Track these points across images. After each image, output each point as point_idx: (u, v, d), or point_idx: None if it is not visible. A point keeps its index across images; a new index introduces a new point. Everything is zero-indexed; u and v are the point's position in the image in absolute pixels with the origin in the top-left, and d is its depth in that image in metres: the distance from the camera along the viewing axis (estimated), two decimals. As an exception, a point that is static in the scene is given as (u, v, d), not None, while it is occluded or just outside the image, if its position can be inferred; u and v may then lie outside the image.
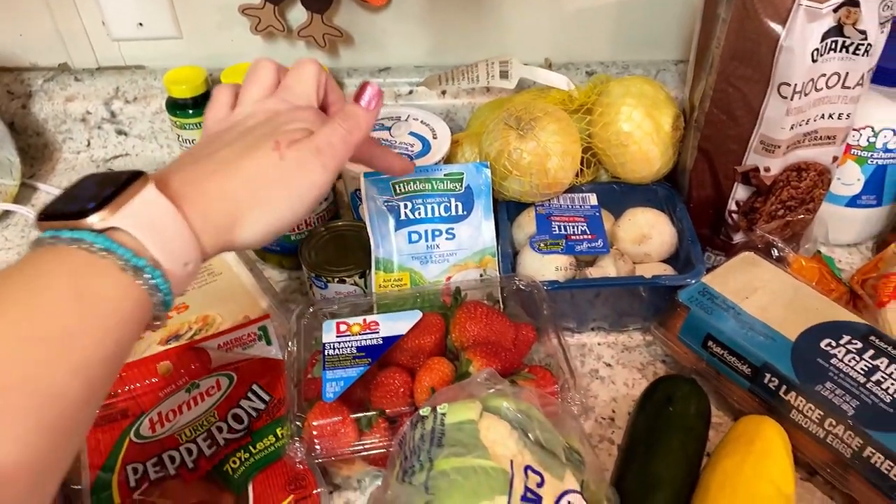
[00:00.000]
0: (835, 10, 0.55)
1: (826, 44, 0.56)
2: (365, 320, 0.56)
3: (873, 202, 0.71)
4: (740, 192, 0.66)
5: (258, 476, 0.51)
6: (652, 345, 0.67)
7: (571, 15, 0.84)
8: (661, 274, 0.65)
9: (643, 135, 0.67)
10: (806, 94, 0.59)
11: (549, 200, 0.71)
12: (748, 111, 0.61)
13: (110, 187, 0.36)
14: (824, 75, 0.58)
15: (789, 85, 0.58)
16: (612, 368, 0.65)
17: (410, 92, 0.88)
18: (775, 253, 0.66)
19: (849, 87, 0.59)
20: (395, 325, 0.56)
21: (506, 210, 0.71)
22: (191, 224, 0.38)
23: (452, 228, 0.67)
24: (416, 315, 0.57)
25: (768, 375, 0.55)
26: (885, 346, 0.55)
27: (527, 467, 0.41)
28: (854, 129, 0.67)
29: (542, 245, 0.66)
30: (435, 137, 0.71)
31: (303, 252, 0.69)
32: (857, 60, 0.58)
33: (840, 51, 0.57)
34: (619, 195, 0.72)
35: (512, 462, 0.41)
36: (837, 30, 0.56)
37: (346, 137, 0.45)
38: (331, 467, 0.55)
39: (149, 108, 0.91)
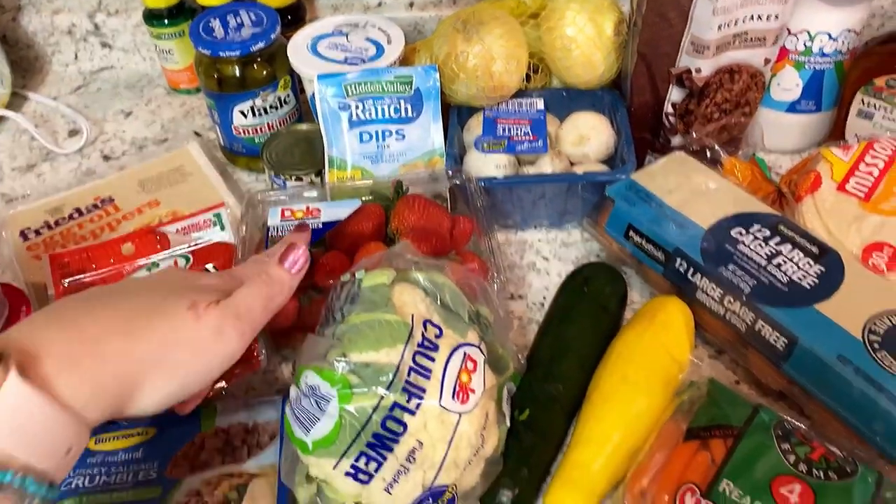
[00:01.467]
0: None
1: (750, -57, 0.58)
2: (308, 207, 0.61)
3: (812, 108, 0.74)
4: (675, 95, 0.69)
5: (208, 341, 0.57)
6: (589, 241, 0.71)
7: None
8: (594, 171, 0.68)
9: (585, 39, 0.70)
10: (732, -6, 0.61)
11: (498, 105, 0.74)
12: (679, 12, 0.63)
13: None
14: (751, -25, 0.61)
15: (713, -15, 0.60)
16: (548, 262, 0.70)
17: (379, 4, 0.91)
18: (710, 155, 0.70)
19: (775, -12, 0.62)
20: (336, 211, 0.61)
21: (457, 114, 0.75)
22: (73, 402, 0.34)
23: (402, 129, 0.71)
24: (356, 203, 0.61)
25: (679, 260, 0.59)
26: (793, 234, 0.59)
27: (426, 321, 0.46)
28: (791, 34, 0.69)
29: (485, 145, 0.70)
30: (389, 42, 0.75)
31: (264, 153, 0.74)
32: (782, -40, 0.60)
33: (765, -50, 0.59)
34: (567, 100, 0.76)
35: (413, 316, 0.46)
36: (761, -71, 0.58)
37: (268, 304, 0.43)
38: (275, 339, 0.60)
39: (130, 21, 0.95)
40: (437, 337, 0.46)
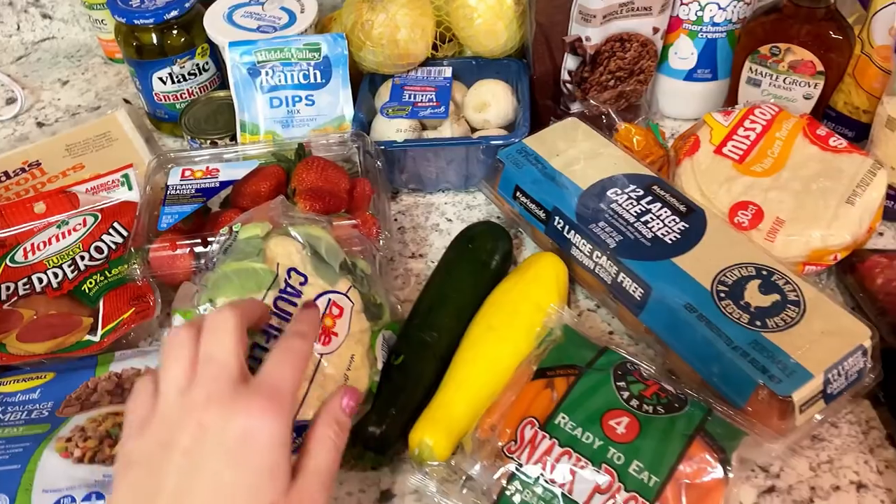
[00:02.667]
0: None
1: (626, -85, 0.61)
2: (207, 167, 0.64)
3: (708, 76, 0.77)
4: (570, 63, 0.72)
5: (109, 293, 0.61)
6: (492, 204, 0.74)
7: None
8: (488, 135, 0.71)
9: (487, 9, 0.73)
10: (612, -35, 0.64)
11: (408, 73, 0.77)
12: (567, -18, 0.66)
13: None
14: (629, -54, 0.63)
15: (595, -46, 0.63)
16: (451, 223, 0.73)
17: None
18: (606, 121, 0.73)
19: (655, -41, 0.64)
20: (234, 171, 0.64)
21: (368, 82, 0.77)
22: None
23: (312, 95, 0.74)
24: (253, 164, 0.65)
25: (557, 218, 0.62)
26: (664, 193, 0.62)
27: (291, 269, 0.50)
28: (683, 4, 0.72)
29: (389, 111, 0.73)
30: (302, 12, 0.77)
31: (181, 118, 0.77)
32: (658, -69, 0.63)
33: (640, -78, 0.62)
34: (476, 69, 0.78)
35: (279, 265, 0.50)
36: None
37: (337, 458, 0.41)
38: (171, 290, 0.63)
39: (67, -8, 0.98)
40: (302, 284, 0.50)
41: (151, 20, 0.73)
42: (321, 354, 0.49)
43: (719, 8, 0.71)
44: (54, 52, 1.00)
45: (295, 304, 0.49)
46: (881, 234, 0.68)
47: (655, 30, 0.70)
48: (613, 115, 0.73)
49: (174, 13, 0.74)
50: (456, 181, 0.74)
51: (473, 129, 0.75)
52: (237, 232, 0.52)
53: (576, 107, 0.75)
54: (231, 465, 0.37)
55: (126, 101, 0.89)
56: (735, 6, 0.71)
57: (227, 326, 0.40)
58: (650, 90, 0.79)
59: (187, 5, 0.75)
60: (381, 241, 0.61)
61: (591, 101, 0.74)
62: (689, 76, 0.77)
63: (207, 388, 0.39)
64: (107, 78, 0.95)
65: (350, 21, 0.73)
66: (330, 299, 0.50)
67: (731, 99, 0.75)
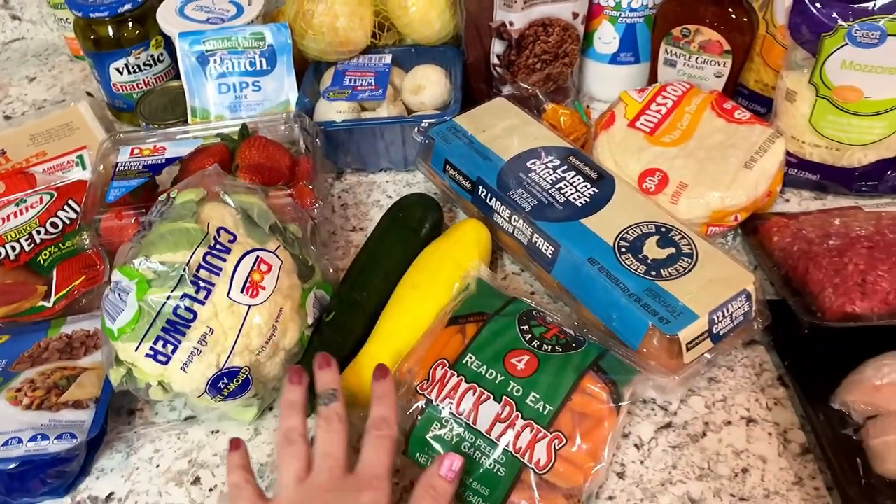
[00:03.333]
0: None
1: None
2: (155, 146, 0.69)
3: (631, 59, 0.82)
4: (498, 47, 0.77)
5: (62, 263, 0.65)
6: (430, 182, 0.79)
7: None
8: (421, 114, 0.76)
9: (420, -2, 0.78)
10: (528, -47, 0.69)
11: (350, 60, 0.82)
12: (489, -30, 0.71)
13: None
14: (543, -65, 0.69)
15: (510, -56, 0.68)
16: (391, 199, 0.78)
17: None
18: (535, 102, 0.78)
19: (568, -53, 0.70)
20: (179, 149, 0.69)
21: (314, 69, 0.82)
22: None
23: (258, 81, 0.79)
24: (197, 143, 0.69)
25: (481, 187, 0.67)
26: (579, 163, 0.67)
27: (220, 228, 0.54)
28: (603, -10, 0.78)
29: (331, 94, 0.78)
30: (250, 4, 0.82)
31: (137, 107, 0.81)
32: (568, -78, 0.68)
33: (552, -87, 0.67)
34: (415, 56, 0.83)
35: (209, 224, 0.54)
36: None
37: None
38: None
39: (34, -6, 1.02)
40: (231, 242, 0.54)
41: (106, 13, 0.78)
42: (249, 306, 0.53)
43: (636, -6, 0.77)
44: (23, 52, 1.05)
45: (224, 260, 0.53)
46: (787, 200, 0.73)
47: (575, 15, 0.75)
48: (541, 97, 0.78)
49: (128, 6, 0.79)
50: (396, 160, 0.79)
51: (411, 112, 0.80)
52: (174, 198, 0.57)
53: (507, 89, 0.80)
54: None
55: (89, 93, 0.94)
56: (651, -8, 0.77)
57: (338, 429, 0.48)
58: (578, 74, 0.84)
59: (140, -1, 0.80)
60: (315, 210, 0.65)
61: (521, 84, 0.79)
62: (614, 60, 0.82)
63: (325, 476, 0.47)
64: (72, 74, 1.00)
65: (293, 11, 0.78)
66: (258, 256, 0.55)
67: (652, 80, 0.80)
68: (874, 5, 0.62)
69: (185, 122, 0.79)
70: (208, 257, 0.53)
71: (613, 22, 0.79)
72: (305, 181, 0.69)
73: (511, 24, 0.74)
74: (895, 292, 0.57)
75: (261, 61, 0.78)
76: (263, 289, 0.54)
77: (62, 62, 1.02)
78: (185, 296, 0.51)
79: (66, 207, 0.69)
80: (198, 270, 0.52)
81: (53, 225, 0.68)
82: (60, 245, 0.66)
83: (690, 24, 0.73)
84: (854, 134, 0.68)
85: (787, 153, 0.71)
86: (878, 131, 0.67)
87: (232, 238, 0.54)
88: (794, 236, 0.63)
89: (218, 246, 0.54)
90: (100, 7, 0.78)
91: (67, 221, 0.68)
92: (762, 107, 0.79)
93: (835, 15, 0.63)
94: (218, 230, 0.54)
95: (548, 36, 0.76)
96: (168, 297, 0.51)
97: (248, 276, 0.54)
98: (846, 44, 0.64)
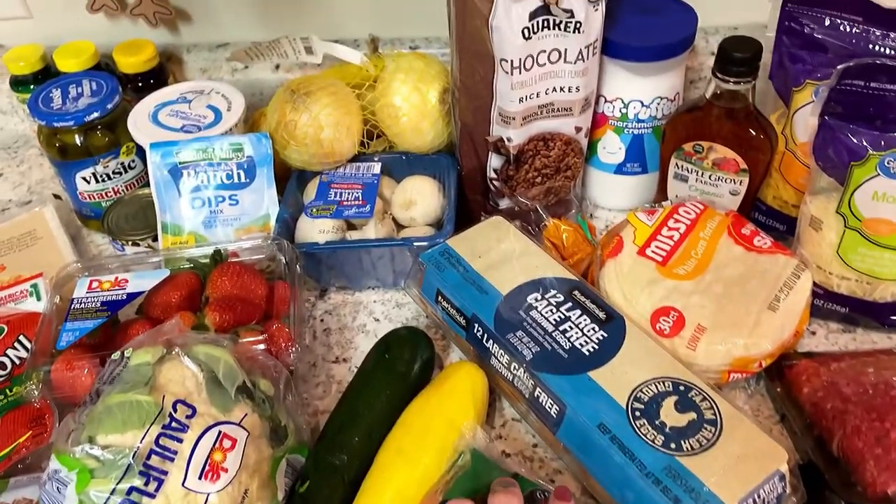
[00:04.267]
0: (538, -8, 0.60)
1: (537, 22, 0.61)
2: (116, 278, 0.62)
3: (638, 170, 0.76)
4: (495, 161, 0.71)
5: (6, 415, 0.58)
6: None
7: (388, -8, 0.88)
8: (411, 236, 0.70)
9: (411, 108, 0.72)
10: (527, 69, 0.63)
11: (336, 169, 0.76)
12: (485, 85, 0.66)
13: None
14: (544, 51, 0.63)
15: (507, 61, 0.62)
16: (379, 323, 0.71)
17: (246, 67, 0.93)
18: (534, 217, 0.72)
19: (571, 62, 0.64)
20: (143, 282, 0.62)
21: (297, 177, 0.76)
22: None
23: (235, 195, 0.73)
24: (164, 273, 0.63)
25: (476, 325, 0.60)
26: (584, 299, 0.60)
27: (178, 401, 0.47)
28: (607, 101, 0.72)
29: (314, 210, 0.72)
30: (229, 110, 0.77)
31: (104, 218, 0.75)
32: (570, 37, 0.62)
33: (553, 28, 0.62)
34: (407, 164, 0.78)
35: (165, 397, 0.47)
36: (545, 9, 0.61)
37: None
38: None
39: (5, 85, 0.97)
40: (189, 417, 0.47)
41: (72, 122, 0.72)
42: (208, 494, 0.46)
43: (643, 105, 0.71)
44: (-8, 143, 0.99)
45: (180, 440, 0.46)
46: (813, 333, 0.67)
47: (578, 129, 0.70)
48: (541, 212, 0.72)
49: (96, 115, 0.73)
50: (385, 279, 0.73)
51: (401, 227, 0.74)
52: (128, 358, 0.50)
53: (505, 202, 0.74)
54: None
55: (56, 196, 0.87)
56: (659, 103, 0.71)
57: None
58: (582, 182, 0.78)
59: (109, 106, 0.74)
60: (291, 356, 0.59)
61: (519, 198, 0.73)
62: (619, 170, 0.76)
63: None
64: (41, 171, 0.94)
65: (274, 120, 0.73)
66: (220, 431, 0.48)
67: (661, 192, 0.74)
68: (909, 135, 0.56)
69: (155, 236, 0.73)
70: (162, 439, 0.46)
71: (619, 132, 0.74)
72: (283, 318, 0.63)
73: (509, 139, 0.68)
74: (948, 468, 0.50)
75: (239, 173, 0.72)
76: (225, 470, 0.47)
77: (32, 156, 0.96)
78: (132, 489, 0.44)
79: (16, 345, 0.62)
80: (148, 457, 0.45)
81: (2, 366, 0.61)
82: (7, 391, 0.59)
83: (703, 141, 0.67)
84: (888, 268, 0.61)
85: (814, 284, 0.65)
86: (913, 265, 0.61)
87: (191, 412, 0.47)
88: (827, 390, 0.56)
89: (174, 424, 0.47)
90: (65, 116, 0.72)
91: (17, 361, 0.62)
92: (781, 224, 0.73)
93: (865, 143, 0.58)
94: (175, 404, 0.47)
95: (549, 150, 0.70)
96: (112, 492, 0.44)
97: (208, 457, 0.47)
98: (878, 174, 0.58)
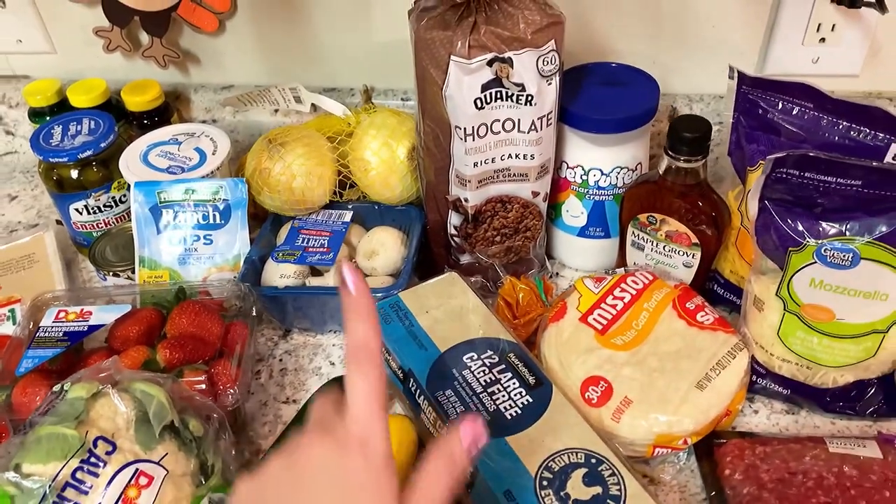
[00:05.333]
0: (489, 64, 0.62)
1: (489, 93, 0.64)
2: (82, 310, 0.67)
3: (601, 234, 0.77)
4: (455, 219, 0.73)
5: (-31, 433, 0.62)
6: (377, 349, 0.75)
7: (382, 46, 0.92)
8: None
9: (380, 162, 0.75)
10: (481, 137, 0.66)
11: (309, 215, 0.79)
12: (442, 149, 0.68)
13: None
14: (498, 120, 0.65)
15: (461, 128, 0.65)
16: (334, 367, 0.74)
17: (247, 109, 0.98)
18: (491, 274, 0.74)
19: (524, 132, 0.66)
20: (105, 315, 0.66)
21: (271, 220, 0.80)
22: None
23: (210, 235, 0.77)
24: (125, 308, 0.67)
25: (411, 380, 0.62)
26: (518, 362, 0.62)
27: (98, 438, 0.51)
28: (569, 168, 0.74)
29: (280, 255, 0.75)
30: (214, 153, 0.81)
31: (91, 248, 0.80)
32: (523, 108, 0.65)
33: (506, 100, 0.64)
34: (377, 214, 0.81)
35: (88, 432, 0.51)
36: (497, 82, 0.63)
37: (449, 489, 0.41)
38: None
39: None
40: (109, 453, 0.50)
41: (66, 159, 0.78)
42: (118, 529, 0.49)
43: (602, 174, 0.73)
44: (13, 167, 1.06)
45: (96, 475, 0.49)
46: (756, 411, 0.67)
47: (535, 193, 0.71)
48: (499, 269, 0.74)
49: (89, 153, 0.78)
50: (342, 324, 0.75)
51: (364, 275, 0.77)
52: (66, 391, 0.54)
53: (466, 257, 0.76)
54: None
55: (58, 222, 0.94)
56: (619, 172, 0.73)
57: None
58: (546, 243, 0.80)
59: (102, 145, 0.79)
60: (229, 398, 0.62)
61: (479, 255, 0.75)
62: (583, 233, 0.78)
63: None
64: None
65: (251, 167, 0.77)
66: (137, 469, 0.51)
67: (621, 257, 0.75)
68: (846, 226, 0.56)
69: (133, 269, 0.77)
70: (79, 472, 0.49)
71: (581, 198, 0.75)
72: (238, 352, 0.66)
73: (466, 200, 0.70)
74: (852, 568, 0.50)
75: (215, 215, 0.76)
76: (139, 507, 0.50)
77: (47, 181, 1.03)
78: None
79: (-11, 367, 0.67)
80: (64, 489, 0.48)
81: (-29, 385, 0.66)
82: (-29, 409, 0.64)
83: (656, 213, 0.68)
84: (827, 354, 0.61)
85: (756, 363, 0.65)
86: (853, 354, 0.61)
87: (111, 448, 0.51)
88: (747, 473, 0.56)
89: (92, 459, 0.50)
90: (60, 153, 0.78)
91: (-11, 383, 0.66)
92: (737, 297, 0.72)
93: (802, 229, 0.58)
94: (96, 440, 0.50)
95: (507, 212, 0.72)
96: (28, 519, 0.47)
97: (122, 493, 0.50)
98: (815, 262, 0.58)
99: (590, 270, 0.81)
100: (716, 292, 0.74)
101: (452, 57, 0.61)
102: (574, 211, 0.76)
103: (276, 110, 0.97)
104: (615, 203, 0.75)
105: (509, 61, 0.62)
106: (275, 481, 0.40)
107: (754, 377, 0.65)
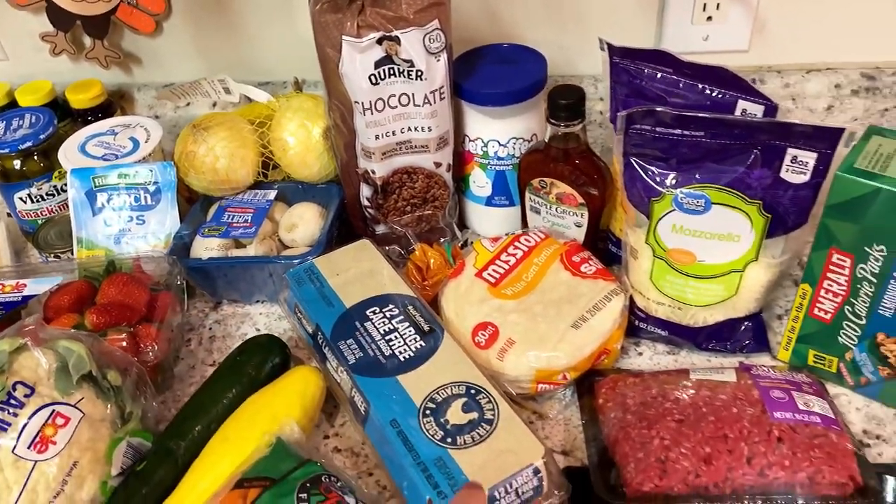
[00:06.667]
0: (379, 43, 0.68)
1: (383, 70, 0.70)
2: (17, 283, 0.72)
3: (506, 202, 0.83)
4: (366, 191, 0.79)
5: None
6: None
7: (309, 39, 0.97)
8: (284, 255, 0.79)
9: (297, 142, 0.81)
10: (379, 111, 0.72)
11: (235, 195, 0.85)
12: (348, 125, 0.74)
13: None
14: (394, 95, 0.72)
15: (359, 103, 0.71)
16: (259, 332, 0.79)
17: (188, 104, 1.04)
18: (404, 241, 0.80)
19: (419, 106, 0.72)
20: (38, 287, 0.72)
21: (202, 202, 0.86)
22: None
23: (143, 216, 0.82)
24: (57, 280, 0.72)
25: (319, 334, 0.68)
26: (416, 313, 0.68)
27: (17, 382, 0.56)
28: (470, 140, 0.80)
29: (206, 231, 0.81)
30: (147, 140, 0.87)
31: (35, 234, 0.86)
32: (415, 83, 0.71)
33: (399, 76, 0.70)
34: (301, 192, 0.87)
35: (8, 378, 0.56)
36: (388, 59, 0.69)
37: None
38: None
39: (-18, 116, 1.10)
40: (27, 396, 0.56)
41: (8, 150, 0.84)
42: (35, 461, 0.54)
43: (500, 144, 0.79)
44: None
45: (15, 415, 0.55)
46: (640, 353, 0.72)
47: (438, 164, 0.77)
48: (410, 238, 0.80)
49: (29, 143, 0.84)
50: (269, 294, 0.81)
51: (286, 247, 0.83)
52: (-6, 346, 0.59)
53: (381, 228, 0.82)
54: None
55: (9, 214, 0.99)
56: (515, 143, 0.79)
57: None
58: (458, 211, 0.86)
59: (42, 137, 0.85)
60: (150, 354, 0.67)
61: (392, 225, 0.81)
62: (489, 202, 0.84)
63: None
64: (6, 192, 1.06)
65: (178, 151, 0.83)
66: (54, 410, 0.56)
67: (524, 222, 0.81)
68: (696, 174, 0.63)
69: (73, 250, 0.83)
70: (-1, 412, 0.55)
71: (484, 168, 0.81)
72: (164, 318, 0.72)
73: (373, 171, 0.77)
74: (696, 472, 0.55)
75: (146, 197, 0.82)
76: (54, 443, 0.55)
77: (2, 179, 1.08)
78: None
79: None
80: (-16, 426, 0.54)
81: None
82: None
83: (546, 178, 0.74)
84: (693, 295, 0.67)
85: (637, 308, 0.71)
86: (717, 293, 0.67)
87: (29, 392, 0.56)
88: (616, 401, 0.62)
89: (11, 401, 0.55)
90: (2, 144, 0.84)
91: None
92: (629, 254, 0.79)
93: (660, 180, 0.64)
94: (14, 384, 0.56)
95: (413, 183, 0.78)
96: (-49, 452, 0.53)
97: (40, 430, 0.55)
98: (674, 209, 0.64)
99: (500, 235, 0.87)
100: (610, 251, 0.80)
101: (344, 36, 0.68)
102: (480, 181, 0.83)
103: (215, 103, 1.03)
104: (515, 172, 0.81)
105: (396, 39, 0.68)
106: None
107: (636, 321, 0.71)
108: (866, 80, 0.89)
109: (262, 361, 0.69)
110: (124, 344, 0.66)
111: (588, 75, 0.94)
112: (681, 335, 0.70)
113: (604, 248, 0.80)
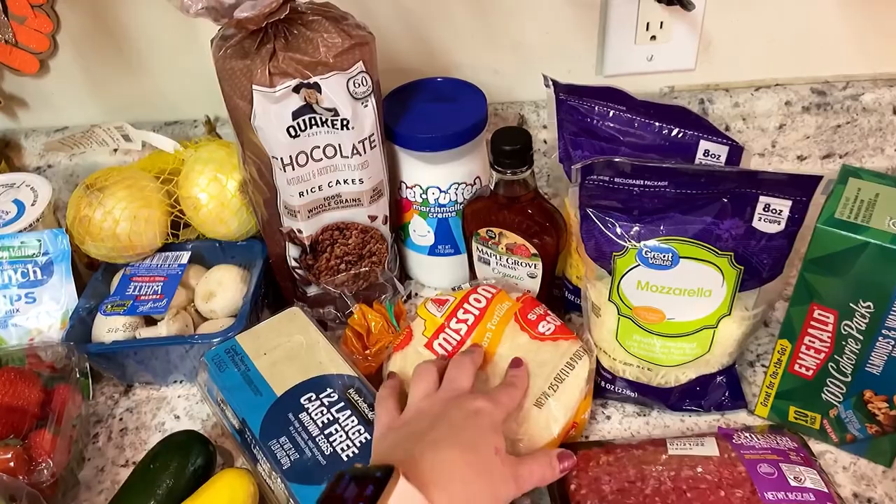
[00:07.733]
0: (296, 91, 0.59)
1: (303, 121, 0.61)
2: None
3: (451, 251, 0.76)
4: (293, 251, 0.70)
5: None
6: (226, 396, 0.71)
7: (218, 74, 0.88)
8: (201, 333, 0.69)
9: (210, 198, 0.71)
10: (301, 166, 0.63)
11: (142, 260, 0.75)
12: (266, 180, 0.65)
13: (370, 485, 0.42)
14: (318, 147, 0.63)
15: (278, 158, 0.62)
16: (178, 421, 0.69)
17: (83, 151, 0.92)
18: (340, 304, 0.71)
19: (348, 157, 0.64)
20: None
21: (104, 269, 0.75)
22: None
23: (32, 293, 0.71)
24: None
25: (246, 430, 0.59)
26: (359, 399, 0.59)
27: None
28: (408, 188, 0.72)
29: (108, 307, 0.70)
30: (33, 204, 0.75)
31: None
32: (341, 133, 0.62)
33: (322, 125, 0.62)
34: (220, 251, 0.77)
35: None
36: (309, 108, 0.61)
37: (539, 480, 0.53)
38: None
39: None
40: None
41: None
42: None
43: (441, 191, 0.71)
44: None
45: None
46: (609, 417, 0.66)
47: (373, 217, 0.69)
48: (346, 298, 0.71)
49: None
50: (188, 373, 0.71)
51: (205, 319, 0.73)
52: None
53: (312, 289, 0.73)
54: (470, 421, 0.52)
55: None
56: (457, 188, 0.71)
57: (468, 366, 0.58)
58: (399, 264, 0.78)
59: None
60: (44, 472, 0.57)
61: (325, 285, 0.72)
62: (433, 251, 0.76)
63: (447, 393, 0.55)
64: None
65: (71, 216, 0.72)
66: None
67: (471, 272, 0.74)
68: (661, 227, 0.56)
69: (-48, 338, 0.71)
70: None
71: (424, 217, 0.73)
72: (64, 418, 0.61)
73: (300, 231, 0.68)
74: (687, 574, 0.49)
75: (35, 271, 0.71)
76: None
77: None
78: None
79: None
80: None
81: None
82: None
83: (494, 227, 0.67)
84: (664, 355, 0.61)
85: (602, 368, 0.65)
86: (689, 351, 0.61)
87: None
88: (590, 487, 0.55)
89: None
90: None
91: None
92: (587, 302, 0.72)
93: (622, 233, 0.58)
94: None
95: (346, 239, 0.70)
96: None
97: None
98: (638, 264, 0.58)
99: (446, 287, 0.79)
100: (568, 299, 0.74)
101: (255, 86, 0.58)
102: (420, 230, 0.75)
103: (116, 150, 0.92)
104: (458, 218, 0.73)
105: (316, 86, 0.59)
106: None
107: (603, 382, 0.65)
108: (817, 95, 0.85)
109: (181, 467, 0.59)
110: (12, 465, 0.55)
111: (528, 101, 0.87)
112: (651, 395, 0.64)
113: (560, 295, 0.74)
